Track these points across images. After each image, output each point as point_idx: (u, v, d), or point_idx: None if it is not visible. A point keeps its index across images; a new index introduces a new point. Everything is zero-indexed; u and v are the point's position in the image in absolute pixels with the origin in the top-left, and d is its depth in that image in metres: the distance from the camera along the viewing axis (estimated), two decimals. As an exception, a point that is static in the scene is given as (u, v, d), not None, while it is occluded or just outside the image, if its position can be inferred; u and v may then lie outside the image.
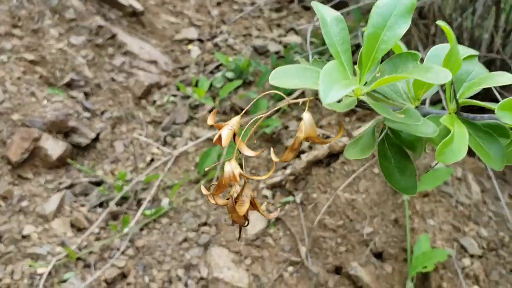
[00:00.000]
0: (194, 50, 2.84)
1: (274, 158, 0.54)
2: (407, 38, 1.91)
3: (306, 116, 0.51)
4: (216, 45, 2.80)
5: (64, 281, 1.68)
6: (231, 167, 0.54)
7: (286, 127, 2.07)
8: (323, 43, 2.30)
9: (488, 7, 1.80)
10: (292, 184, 1.88)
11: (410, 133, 0.51)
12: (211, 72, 2.57)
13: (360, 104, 0.50)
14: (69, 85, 2.38)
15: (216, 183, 0.56)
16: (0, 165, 1.97)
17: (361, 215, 1.67)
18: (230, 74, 2.39)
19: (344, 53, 0.51)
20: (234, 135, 0.54)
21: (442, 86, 0.54)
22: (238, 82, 2.28)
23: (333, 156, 1.87)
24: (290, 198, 1.84)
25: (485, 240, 1.53)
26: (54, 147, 2.07)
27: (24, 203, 1.90)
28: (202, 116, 2.33)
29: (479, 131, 0.51)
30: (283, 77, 0.47)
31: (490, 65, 1.82)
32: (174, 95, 2.52)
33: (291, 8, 3.07)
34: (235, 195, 0.55)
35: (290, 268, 1.68)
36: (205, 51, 2.79)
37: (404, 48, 0.56)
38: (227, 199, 0.56)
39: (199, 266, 1.71)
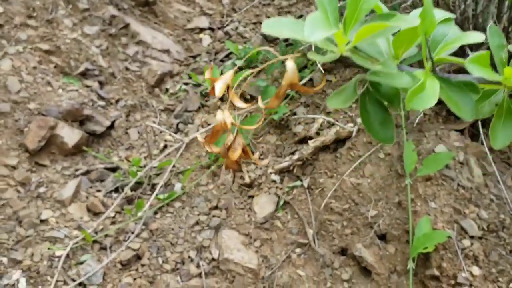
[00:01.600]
0: (206, 38, 2.88)
1: (261, 105, 0.58)
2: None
3: (289, 63, 0.54)
4: (226, 33, 2.84)
5: (81, 262, 1.75)
6: (223, 116, 0.58)
7: (294, 113, 2.11)
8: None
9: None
10: (300, 169, 1.93)
11: (388, 86, 0.56)
12: (222, 61, 2.62)
13: (343, 59, 0.54)
14: (84, 75, 2.44)
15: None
16: (18, 153, 2.03)
17: (366, 199, 1.71)
18: (239, 62, 2.43)
19: (332, 13, 0.55)
20: (228, 88, 0.58)
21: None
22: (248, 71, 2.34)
23: (340, 142, 1.91)
24: (298, 183, 1.89)
25: (485, 222, 1.57)
26: (70, 134, 2.14)
27: (41, 189, 1.97)
28: (213, 103, 2.38)
29: (452, 86, 0.55)
30: (276, 27, 0.51)
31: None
32: (186, 84, 2.57)
33: (301, -4, 3.09)
34: (229, 143, 0.60)
35: (298, 250, 1.73)
36: (216, 39, 2.84)
37: (385, 10, 0.59)
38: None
39: (211, 248, 1.77)
